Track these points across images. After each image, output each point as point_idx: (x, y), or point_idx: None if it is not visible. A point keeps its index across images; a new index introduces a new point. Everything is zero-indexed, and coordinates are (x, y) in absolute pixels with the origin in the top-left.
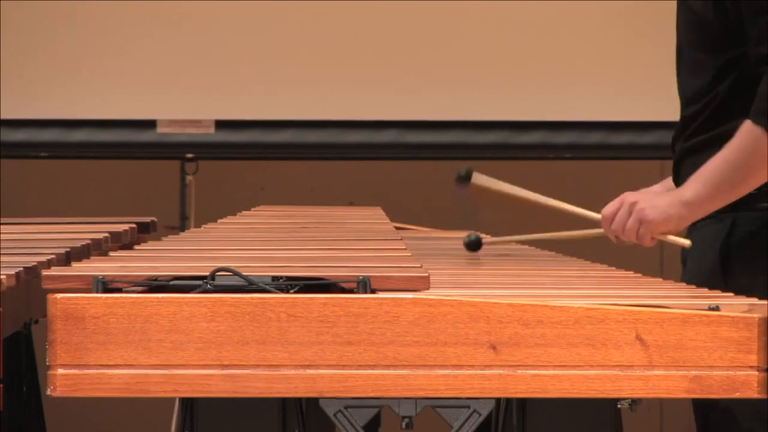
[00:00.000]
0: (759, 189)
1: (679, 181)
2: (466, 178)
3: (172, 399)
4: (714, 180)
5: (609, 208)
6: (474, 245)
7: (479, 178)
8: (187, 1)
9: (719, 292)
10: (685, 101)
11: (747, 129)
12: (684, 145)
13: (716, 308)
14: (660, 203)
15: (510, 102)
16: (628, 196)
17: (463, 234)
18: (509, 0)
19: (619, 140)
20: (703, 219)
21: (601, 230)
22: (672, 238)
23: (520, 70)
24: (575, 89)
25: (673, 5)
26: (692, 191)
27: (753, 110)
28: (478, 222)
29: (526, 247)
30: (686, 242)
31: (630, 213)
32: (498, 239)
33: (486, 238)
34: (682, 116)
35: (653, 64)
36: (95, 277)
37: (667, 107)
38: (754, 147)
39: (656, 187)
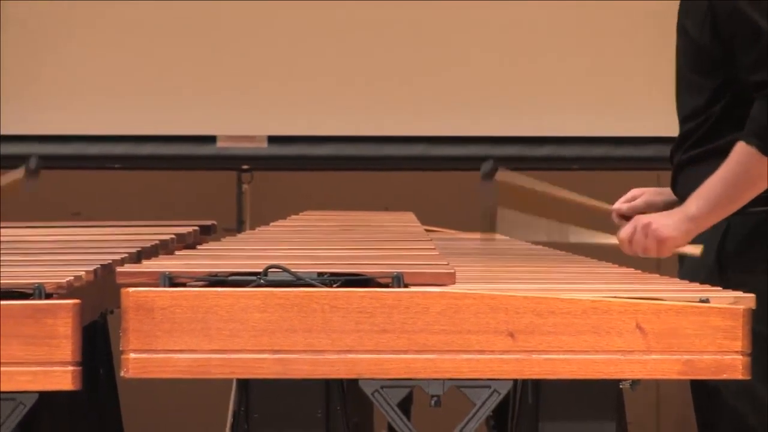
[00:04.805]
0: None
1: (676, 189)
2: (491, 173)
3: (230, 380)
4: (714, 196)
5: (624, 232)
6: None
7: (503, 174)
8: (240, 41)
9: (709, 286)
10: (683, 118)
11: (740, 149)
12: (681, 158)
13: (706, 300)
14: (670, 221)
15: (524, 119)
16: (641, 219)
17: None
18: (524, 33)
19: (621, 153)
20: None
21: (613, 241)
22: (686, 250)
23: (533, 92)
24: (582, 108)
25: (670, 32)
26: (696, 207)
27: (746, 132)
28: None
29: (540, 246)
30: (698, 251)
31: (646, 234)
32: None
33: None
34: (681, 132)
35: (652, 85)
36: (163, 273)
37: (663, 124)
38: (746, 165)
39: (653, 195)
